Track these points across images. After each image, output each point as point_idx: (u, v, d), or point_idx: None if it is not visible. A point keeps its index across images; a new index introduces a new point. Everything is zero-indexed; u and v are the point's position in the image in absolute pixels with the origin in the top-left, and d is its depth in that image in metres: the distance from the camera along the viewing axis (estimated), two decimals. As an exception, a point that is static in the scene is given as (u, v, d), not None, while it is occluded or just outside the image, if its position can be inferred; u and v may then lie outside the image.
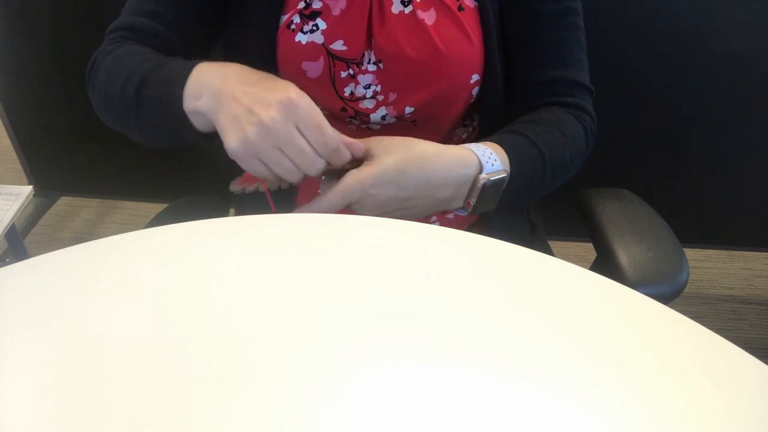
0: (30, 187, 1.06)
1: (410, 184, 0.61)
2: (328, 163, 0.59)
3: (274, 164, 0.56)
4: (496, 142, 0.66)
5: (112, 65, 0.67)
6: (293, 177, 0.57)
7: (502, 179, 0.64)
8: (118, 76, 0.65)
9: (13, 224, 1.02)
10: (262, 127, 0.54)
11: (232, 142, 0.56)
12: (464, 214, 0.67)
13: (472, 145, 0.64)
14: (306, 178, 0.59)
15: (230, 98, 0.56)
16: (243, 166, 0.58)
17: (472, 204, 0.64)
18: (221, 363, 0.45)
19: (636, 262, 0.69)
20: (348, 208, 0.63)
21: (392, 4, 0.68)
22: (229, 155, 0.57)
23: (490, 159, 0.64)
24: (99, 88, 0.68)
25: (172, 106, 0.61)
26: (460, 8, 0.68)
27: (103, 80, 0.67)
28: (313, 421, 0.41)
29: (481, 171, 0.63)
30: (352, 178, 0.60)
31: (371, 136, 0.74)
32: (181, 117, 0.61)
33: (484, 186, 0.63)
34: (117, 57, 0.67)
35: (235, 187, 0.66)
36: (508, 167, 0.65)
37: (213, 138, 0.61)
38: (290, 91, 0.55)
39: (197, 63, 0.62)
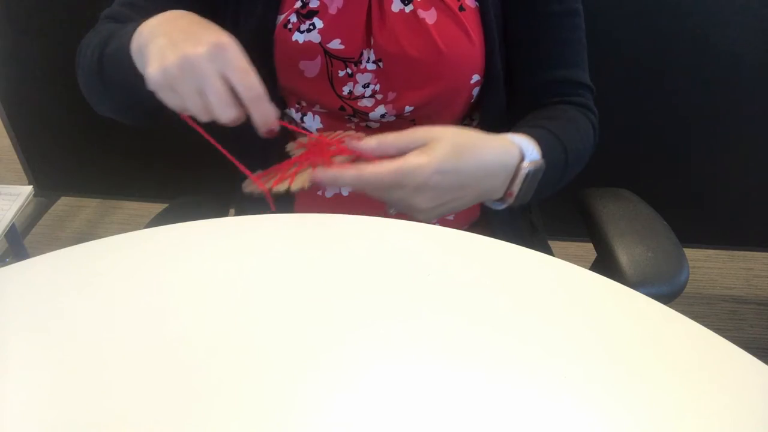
0: (30, 187, 1.06)
1: (468, 172, 0.59)
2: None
3: (188, 99, 0.54)
4: (525, 135, 0.65)
5: (88, 41, 0.69)
6: (204, 116, 0.55)
7: (540, 168, 0.63)
8: (90, 47, 0.67)
9: (13, 224, 1.02)
10: (185, 60, 0.53)
11: (152, 69, 0.54)
12: (500, 207, 0.66)
13: (509, 135, 0.64)
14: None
15: (163, 33, 0.56)
16: (160, 95, 0.56)
17: (514, 193, 0.63)
18: (221, 362, 0.45)
19: (636, 262, 0.69)
20: (380, 210, 0.61)
21: (392, 2, 0.68)
22: (148, 84, 0.56)
23: (528, 148, 0.63)
24: (80, 64, 0.69)
25: (123, 55, 0.60)
26: (461, 8, 0.68)
27: (82, 59, 0.69)
28: (313, 420, 0.41)
29: (522, 159, 0.62)
30: (416, 159, 0.56)
31: (370, 134, 0.74)
32: (133, 67, 0.60)
33: (527, 175, 0.62)
34: (94, 34, 0.69)
35: (249, 187, 0.64)
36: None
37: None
38: (224, 37, 0.55)
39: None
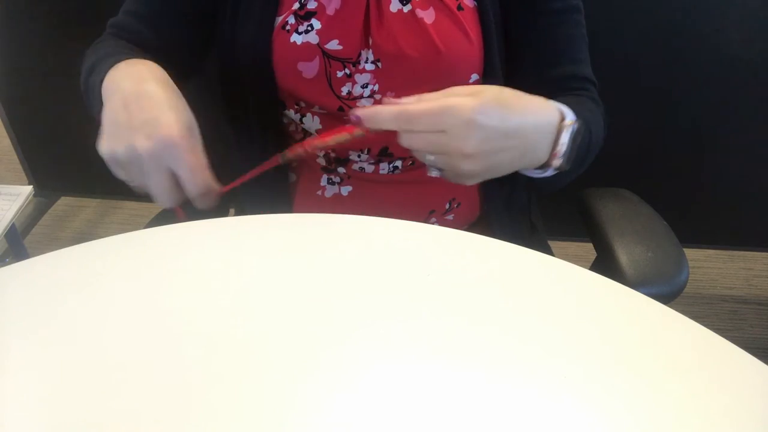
0: (30, 187, 1.06)
1: (513, 119, 0.55)
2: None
3: (134, 180, 0.56)
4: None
5: (89, 53, 0.70)
6: (142, 193, 0.57)
7: (579, 131, 0.60)
8: (85, 64, 0.69)
9: (13, 224, 1.02)
10: (133, 152, 0.53)
11: (103, 147, 0.56)
12: (544, 174, 0.62)
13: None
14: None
15: (122, 99, 0.56)
16: (110, 167, 0.57)
17: (560, 153, 0.59)
18: (221, 362, 0.45)
19: (636, 262, 0.69)
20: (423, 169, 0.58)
21: (390, 2, 0.68)
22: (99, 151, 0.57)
23: (565, 109, 0.60)
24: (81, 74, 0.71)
25: (95, 96, 0.62)
26: (459, 8, 0.68)
27: (82, 65, 0.70)
28: (313, 420, 0.41)
29: (563, 118, 0.59)
30: (459, 98, 0.53)
31: (369, 136, 0.74)
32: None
33: (573, 132, 0.59)
34: (93, 50, 0.70)
35: (287, 156, 0.64)
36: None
37: None
38: (176, 130, 0.53)
39: (132, 57, 0.62)
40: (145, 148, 0.52)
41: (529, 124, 0.57)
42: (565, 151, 0.59)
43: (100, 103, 0.59)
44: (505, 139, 0.55)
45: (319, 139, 0.59)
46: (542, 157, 0.60)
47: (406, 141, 0.55)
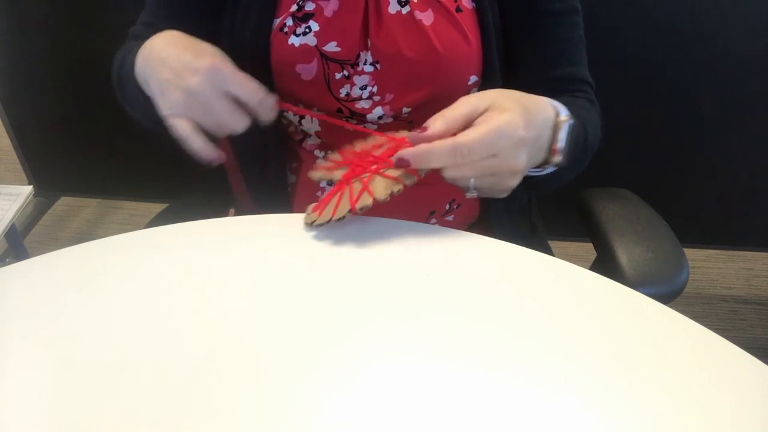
0: (30, 187, 1.06)
1: (537, 122, 0.56)
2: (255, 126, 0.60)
3: (202, 122, 0.59)
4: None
5: (116, 58, 0.74)
6: (217, 132, 0.60)
7: (574, 127, 0.60)
8: (114, 66, 0.73)
9: (13, 224, 1.02)
10: (188, 92, 0.57)
11: (164, 110, 0.60)
12: (541, 172, 0.62)
13: None
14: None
15: (159, 61, 0.60)
16: (176, 131, 0.59)
17: (559, 149, 0.59)
18: (221, 362, 0.45)
19: (636, 262, 0.69)
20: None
21: (389, 4, 0.68)
22: (166, 122, 0.60)
23: (559, 105, 0.60)
24: (112, 80, 0.75)
25: (131, 81, 0.65)
26: (458, 9, 0.68)
27: (112, 72, 0.75)
28: (313, 420, 0.41)
29: (558, 114, 0.59)
30: (503, 117, 0.53)
31: (368, 133, 0.74)
32: (141, 92, 0.65)
33: (569, 126, 0.59)
34: (120, 53, 0.74)
35: (314, 173, 0.64)
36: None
37: None
38: (214, 57, 0.59)
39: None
40: (195, 82, 0.57)
41: (540, 123, 0.57)
42: (563, 147, 0.59)
43: (137, 87, 0.64)
44: (536, 142, 0.56)
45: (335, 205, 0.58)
46: (544, 155, 0.60)
47: (454, 173, 0.54)
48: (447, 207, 0.77)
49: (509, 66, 0.73)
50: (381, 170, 0.57)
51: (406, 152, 0.53)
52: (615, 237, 0.73)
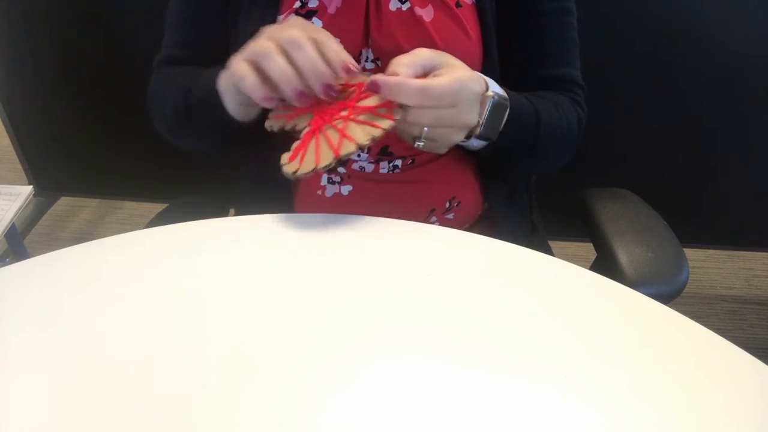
0: (30, 187, 1.06)
1: (474, 84, 0.60)
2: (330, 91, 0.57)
3: (274, 66, 0.55)
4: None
5: (162, 89, 0.74)
6: (292, 84, 0.55)
7: (504, 104, 0.63)
8: (168, 96, 0.72)
9: (13, 224, 1.02)
10: (272, 29, 0.56)
11: (236, 59, 0.58)
12: (469, 144, 0.65)
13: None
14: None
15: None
16: (238, 74, 0.57)
17: (480, 123, 0.62)
18: (221, 362, 0.45)
19: (636, 262, 0.69)
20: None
21: (389, 1, 0.68)
22: (230, 73, 0.58)
23: (492, 83, 0.63)
24: (159, 113, 0.75)
25: (212, 99, 0.64)
26: (458, 5, 0.69)
27: (159, 105, 0.74)
28: (313, 420, 0.41)
29: (487, 89, 0.62)
30: (467, 72, 0.58)
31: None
32: (223, 108, 0.64)
33: (491, 103, 0.61)
34: (166, 83, 0.75)
35: (271, 122, 0.63)
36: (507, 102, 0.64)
37: (254, 126, 0.64)
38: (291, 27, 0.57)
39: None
40: (281, 24, 0.56)
41: (475, 88, 0.60)
42: (484, 121, 0.62)
43: (218, 101, 0.63)
44: (480, 101, 0.60)
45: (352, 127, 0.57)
46: (472, 122, 0.62)
47: (416, 116, 0.56)
48: (447, 205, 0.77)
49: (505, 62, 0.73)
50: (353, 116, 0.57)
51: (379, 77, 0.55)
52: (615, 237, 0.73)
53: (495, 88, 0.63)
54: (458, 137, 0.61)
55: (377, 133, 0.55)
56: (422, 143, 0.60)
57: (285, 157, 0.59)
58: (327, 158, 0.55)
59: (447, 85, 0.56)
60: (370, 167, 0.75)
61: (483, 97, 0.61)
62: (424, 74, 0.58)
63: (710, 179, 1.27)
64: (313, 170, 0.55)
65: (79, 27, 1.23)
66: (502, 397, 0.43)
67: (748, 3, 1.04)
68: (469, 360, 0.45)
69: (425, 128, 0.58)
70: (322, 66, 0.55)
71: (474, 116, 0.59)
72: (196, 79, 0.69)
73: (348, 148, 0.55)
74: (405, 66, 0.57)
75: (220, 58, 0.74)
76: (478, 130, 0.63)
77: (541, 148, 0.71)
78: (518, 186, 0.82)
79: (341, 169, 0.76)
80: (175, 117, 0.72)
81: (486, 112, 0.62)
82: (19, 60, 1.29)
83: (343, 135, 0.56)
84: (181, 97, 0.70)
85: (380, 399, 0.42)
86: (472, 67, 0.70)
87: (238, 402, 0.42)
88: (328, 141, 0.56)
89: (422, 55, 0.58)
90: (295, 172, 0.56)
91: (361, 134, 0.56)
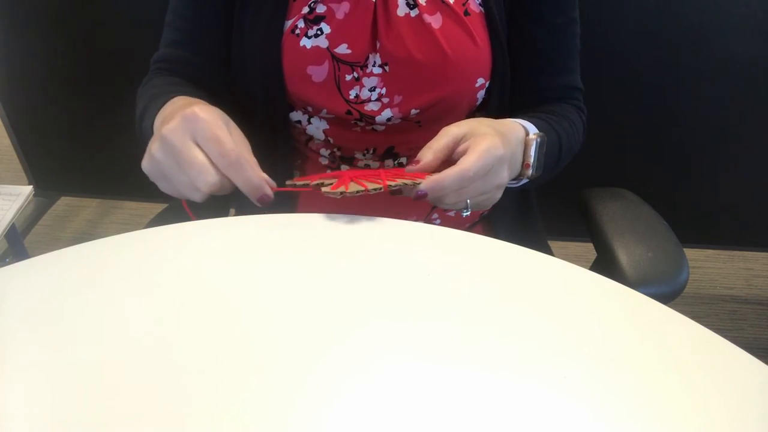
0: (30, 187, 1.05)
1: (509, 140, 0.62)
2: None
3: (174, 178, 0.54)
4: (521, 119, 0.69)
5: (140, 94, 0.73)
6: (192, 194, 0.54)
7: (544, 141, 0.66)
8: (137, 107, 0.71)
9: (13, 224, 1.01)
10: (162, 140, 0.53)
11: (144, 161, 0.56)
12: (517, 184, 0.68)
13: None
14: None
15: (157, 128, 0.58)
16: (157, 185, 0.56)
17: (531, 163, 0.65)
18: (221, 362, 0.45)
19: (636, 262, 0.69)
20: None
21: (398, 6, 0.68)
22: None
23: (528, 125, 0.66)
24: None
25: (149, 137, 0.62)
26: (467, 13, 0.69)
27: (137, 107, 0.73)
28: (313, 420, 0.41)
29: (527, 133, 0.65)
30: (486, 141, 0.58)
31: (376, 136, 0.74)
32: None
33: (536, 143, 0.64)
34: (144, 89, 0.73)
35: (293, 182, 0.65)
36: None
37: None
38: (196, 106, 0.54)
39: (177, 95, 0.63)
40: (168, 128, 0.53)
41: (513, 142, 0.63)
42: (534, 161, 0.65)
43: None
44: (510, 160, 0.62)
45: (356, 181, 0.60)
46: (518, 168, 0.65)
47: (455, 198, 0.59)
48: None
49: (513, 70, 0.74)
50: (387, 180, 0.60)
51: (423, 186, 0.58)
52: (615, 237, 0.73)
53: (533, 129, 0.66)
54: (498, 195, 0.63)
55: (417, 180, 0.59)
56: (469, 211, 0.62)
57: (293, 179, 0.61)
58: (356, 187, 0.58)
59: (478, 162, 0.57)
60: (375, 166, 0.76)
61: (526, 140, 0.65)
62: (449, 153, 0.60)
63: (710, 179, 1.27)
64: (364, 190, 0.58)
65: (79, 27, 1.23)
66: (503, 397, 0.43)
67: (748, 4, 1.04)
68: (469, 360, 0.45)
69: (467, 200, 0.61)
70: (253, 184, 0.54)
71: (505, 175, 0.61)
72: (154, 103, 0.65)
73: (375, 186, 0.59)
74: (431, 152, 0.59)
75: (214, 60, 0.74)
76: (529, 172, 0.66)
77: (560, 165, 0.74)
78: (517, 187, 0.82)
79: (345, 168, 0.76)
80: (137, 131, 0.71)
81: (534, 153, 0.65)
82: (19, 60, 1.29)
83: (369, 179, 0.60)
84: (138, 116, 0.69)
85: (380, 399, 0.42)
86: (479, 75, 0.70)
87: (238, 402, 0.42)
88: (357, 181, 0.60)
89: (445, 136, 0.60)
90: (343, 192, 0.58)
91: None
